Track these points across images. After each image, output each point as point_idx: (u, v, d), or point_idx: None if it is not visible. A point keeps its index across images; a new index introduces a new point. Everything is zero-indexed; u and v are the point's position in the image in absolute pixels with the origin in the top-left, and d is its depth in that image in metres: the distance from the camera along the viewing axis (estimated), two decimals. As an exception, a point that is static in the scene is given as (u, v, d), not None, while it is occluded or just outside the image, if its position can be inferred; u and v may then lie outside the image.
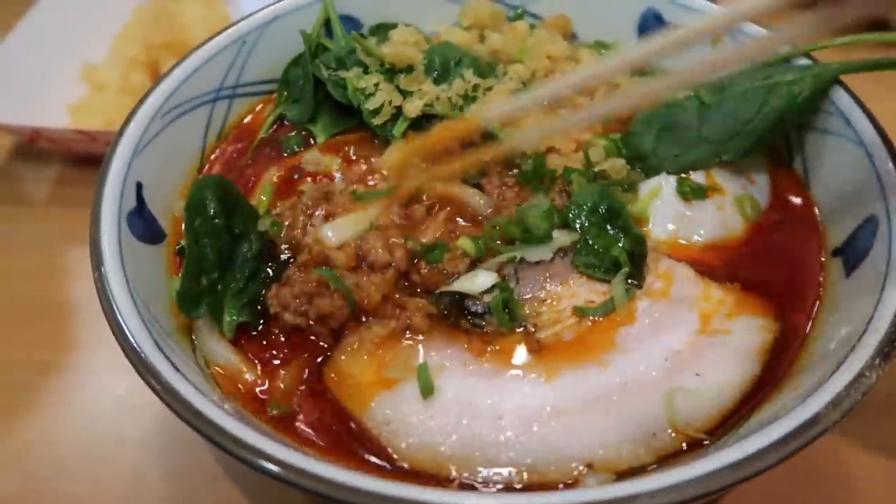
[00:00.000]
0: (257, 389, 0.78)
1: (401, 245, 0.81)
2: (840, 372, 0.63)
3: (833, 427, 0.59)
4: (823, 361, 0.70)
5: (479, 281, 0.78)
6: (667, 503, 0.55)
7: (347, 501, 0.57)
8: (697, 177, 0.94)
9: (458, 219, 0.89)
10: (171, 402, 0.64)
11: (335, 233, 0.83)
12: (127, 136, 0.89)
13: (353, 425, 0.74)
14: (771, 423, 0.60)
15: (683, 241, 0.90)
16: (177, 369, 0.67)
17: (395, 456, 0.70)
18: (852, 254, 0.82)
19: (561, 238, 0.83)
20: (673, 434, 0.71)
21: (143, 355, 0.67)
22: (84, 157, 1.36)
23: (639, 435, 0.70)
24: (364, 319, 0.79)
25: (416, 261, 0.82)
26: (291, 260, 0.85)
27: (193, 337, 0.81)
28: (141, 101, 0.93)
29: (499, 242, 0.83)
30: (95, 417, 1.02)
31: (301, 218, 0.86)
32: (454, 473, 0.69)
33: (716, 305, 0.81)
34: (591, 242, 0.83)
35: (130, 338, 0.68)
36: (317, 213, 0.87)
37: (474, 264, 0.82)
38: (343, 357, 0.78)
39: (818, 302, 0.83)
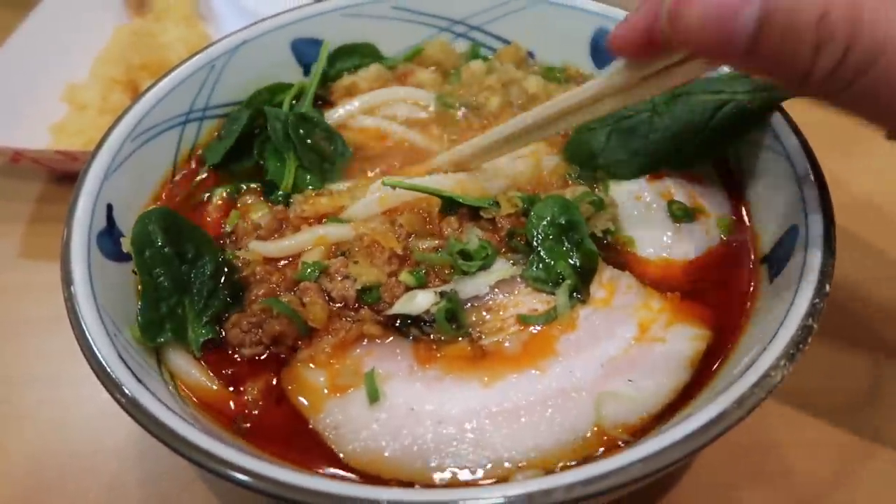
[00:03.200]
0: (227, 401, 0.82)
1: (348, 286, 0.86)
2: (748, 373, 0.68)
3: (736, 424, 0.65)
4: (739, 365, 0.75)
5: (418, 301, 0.82)
6: (581, 495, 0.61)
7: (289, 499, 0.62)
8: (679, 195, 0.98)
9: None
10: (135, 413, 0.69)
11: (263, 248, 0.90)
12: (99, 158, 0.93)
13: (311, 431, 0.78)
14: (681, 422, 0.65)
15: (668, 260, 0.94)
16: (139, 381, 0.72)
17: (342, 459, 0.75)
18: (776, 261, 0.87)
19: (501, 270, 0.86)
20: (601, 437, 0.75)
21: (108, 369, 0.72)
22: (66, 175, 1.40)
23: (569, 438, 0.75)
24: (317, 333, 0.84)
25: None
26: (244, 284, 0.90)
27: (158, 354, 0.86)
28: (114, 125, 0.98)
29: (445, 271, 0.86)
30: (74, 428, 1.06)
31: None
32: (396, 475, 0.73)
33: (655, 314, 0.85)
34: (543, 255, 0.87)
35: (97, 353, 0.73)
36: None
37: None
38: (298, 367, 0.83)
39: (747, 309, 0.88)
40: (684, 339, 0.83)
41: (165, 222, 0.88)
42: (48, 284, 1.23)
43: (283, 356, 0.85)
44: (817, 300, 0.73)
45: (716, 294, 0.91)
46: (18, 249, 1.31)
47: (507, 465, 0.73)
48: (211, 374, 0.84)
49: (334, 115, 1.14)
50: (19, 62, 1.48)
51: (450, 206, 0.93)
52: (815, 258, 0.77)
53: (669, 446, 0.63)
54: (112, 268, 0.87)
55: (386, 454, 0.74)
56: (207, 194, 1.04)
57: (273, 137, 1.04)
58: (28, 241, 1.33)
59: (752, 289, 0.90)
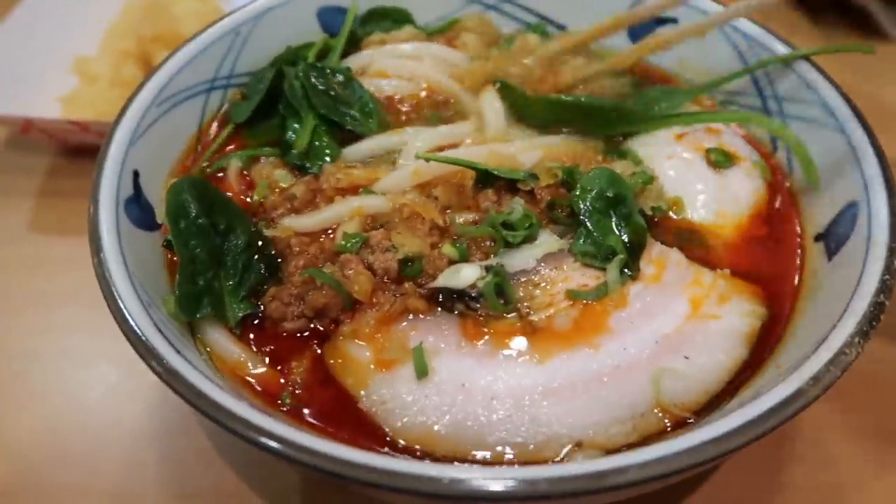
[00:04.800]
0: (269, 379, 0.79)
1: (390, 258, 0.82)
2: (820, 350, 0.66)
3: (812, 402, 0.62)
4: (805, 342, 0.72)
5: (464, 274, 0.79)
6: (654, 475, 0.58)
7: (343, 475, 0.58)
8: (709, 143, 0.97)
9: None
10: (174, 383, 0.66)
11: (297, 224, 0.87)
12: (124, 124, 0.90)
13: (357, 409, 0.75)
14: (753, 400, 0.62)
15: (727, 219, 0.92)
16: (178, 351, 0.68)
17: (390, 435, 0.72)
18: (833, 239, 0.85)
19: (548, 242, 0.84)
20: (660, 414, 0.73)
21: (143, 338, 0.68)
22: (76, 149, 1.36)
23: (627, 415, 0.72)
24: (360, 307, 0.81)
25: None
26: (279, 258, 0.87)
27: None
28: (137, 90, 0.94)
29: (486, 244, 0.84)
30: (88, 406, 1.03)
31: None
32: (448, 452, 0.70)
33: (707, 290, 0.83)
34: (591, 228, 0.84)
35: (131, 320, 0.70)
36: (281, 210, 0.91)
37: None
38: (342, 341, 0.79)
39: (800, 286, 0.86)
40: (740, 316, 0.81)
41: (198, 191, 0.83)
42: (59, 259, 1.21)
43: (323, 330, 0.81)
44: (887, 276, 0.71)
45: (765, 272, 0.89)
46: (29, 223, 1.28)
47: (564, 442, 0.70)
48: (253, 351, 0.80)
49: (356, 60, 1.10)
50: (29, 33, 1.44)
51: (485, 178, 0.90)
52: (881, 234, 0.75)
53: (745, 425, 0.60)
54: (141, 237, 0.83)
55: (437, 431, 0.71)
56: (229, 161, 0.99)
57: (289, 95, 1.00)
58: (38, 214, 1.30)
59: (803, 266, 0.88)
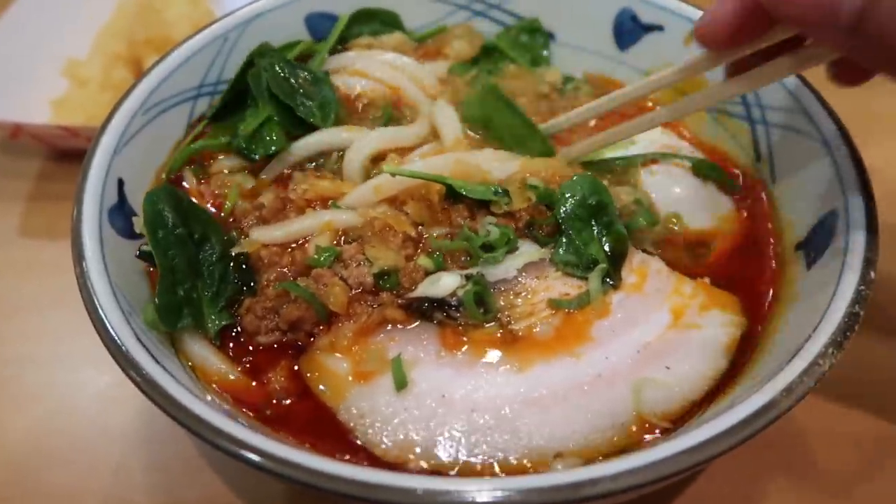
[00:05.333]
0: (248, 391, 0.79)
1: (364, 272, 0.82)
2: (794, 360, 0.66)
3: (785, 413, 0.62)
4: (781, 352, 0.73)
5: (444, 283, 0.79)
6: (628, 485, 0.58)
7: (325, 489, 0.59)
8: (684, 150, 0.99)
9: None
10: (152, 394, 0.66)
11: (265, 236, 0.87)
12: (109, 132, 0.89)
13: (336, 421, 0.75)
14: (727, 411, 0.63)
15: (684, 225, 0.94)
16: (157, 361, 0.68)
17: (370, 449, 0.72)
18: (813, 248, 0.85)
19: (529, 252, 0.83)
20: (640, 423, 0.73)
21: (123, 348, 0.69)
22: (67, 153, 1.36)
23: (607, 424, 0.73)
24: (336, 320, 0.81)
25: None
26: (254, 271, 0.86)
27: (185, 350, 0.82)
28: (123, 98, 0.94)
29: (461, 257, 0.84)
30: (78, 410, 1.03)
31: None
32: (427, 465, 0.70)
33: (687, 300, 0.83)
34: (572, 237, 0.84)
35: (111, 330, 0.70)
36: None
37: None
38: (319, 354, 0.79)
39: (776, 296, 0.86)
40: (719, 326, 0.81)
41: (173, 201, 0.84)
42: (49, 264, 1.21)
43: (300, 343, 0.82)
44: (862, 287, 0.71)
45: (742, 281, 0.89)
46: (18, 228, 1.28)
47: (544, 453, 0.71)
48: (231, 363, 0.81)
49: (340, 60, 1.10)
50: (19, 35, 1.43)
51: (454, 193, 0.88)
52: (859, 243, 0.75)
53: (718, 435, 0.60)
54: (125, 245, 0.84)
55: (417, 442, 0.71)
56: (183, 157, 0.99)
57: (252, 84, 0.99)
58: (28, 219, 1.30)
59: (780, 275, 0.89)
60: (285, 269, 0.85)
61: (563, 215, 0.85)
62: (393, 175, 0.87)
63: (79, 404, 1.04)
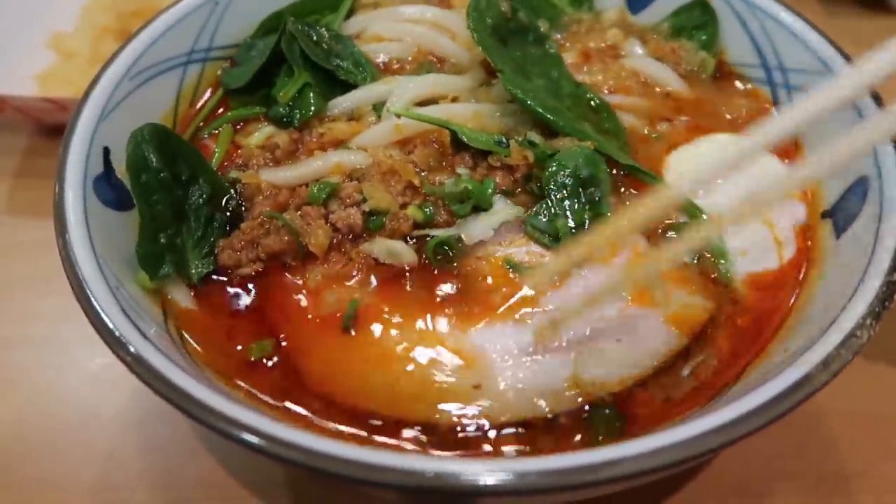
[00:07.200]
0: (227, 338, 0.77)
1: (354, 214, 0.81)
2: (830, 332, 0.62)
3: (822, 388, 0.58)
4: (813, 323, 0.69)
5: (397, 250, 0.79)
6: (654, 466, 0.54)
7: (325, 470, 0.55)
8: None
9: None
10: (142, 372, 0.62)
11: (273, 176, 0.85)
12: (93, 99, 0.85)
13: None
14: (760, 386, 0.58)
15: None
16: (146, 338, 0.64)
17: (324, 389, 0.72)
18: (842, 215, 0.81)
19: (504, 210, 0.81)
20: (578, 392, 0.72)
21: (110, 325, 0.64)
22: (54, 128, 1.31)
23: (546, 389, 0.71)
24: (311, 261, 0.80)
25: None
26: (244, 207, 0.84)
27: (168, 297, 0.79)
28: (108, 63, 0.89)
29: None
30: (67, 393, 0.99)
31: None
32: (379, 412, 0.71)
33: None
34: (551, 205, 0.81)
35: (97, 307, 0.65)
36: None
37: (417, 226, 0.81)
38: (286, 293, 0.79)
39: (807, 266, 0.82)
40: (682, 307, 0.78)
41: (158, 140, 0.80)
42: (37, 242, 1.16)
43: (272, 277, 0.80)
44: (901, 252, 0.67)
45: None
46: (4, 205, 1.24)
47: (486, 406, 0.71)
48: (222, 307, 0.79)
49: (349, 27, 1.06)
50: (3, 7, 1.38)
51: (461, 141, 0.85)
52: (894, 210, 0.70)
53: (750, 412, 0.56)
54: (113, 217, 0.79)
55: (362, 388, 0.72)
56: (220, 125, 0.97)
57: (287, 53, 0.95)
58: (15, 196, 1.25)
59: (808, 244, 0.84)
60: (280, 205, 0.83)
61: (550, 180, 0.82)
62: (398, 116, 0.85)
63: (68, 387, 1.00)
